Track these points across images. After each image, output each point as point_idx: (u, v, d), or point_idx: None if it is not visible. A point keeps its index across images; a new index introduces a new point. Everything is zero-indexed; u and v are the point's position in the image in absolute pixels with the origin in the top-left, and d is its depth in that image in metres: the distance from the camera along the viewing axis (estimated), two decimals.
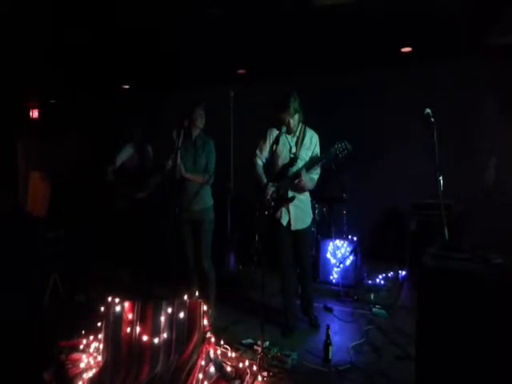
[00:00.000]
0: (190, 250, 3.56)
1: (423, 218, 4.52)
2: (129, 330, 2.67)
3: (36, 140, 7.07)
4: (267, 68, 5.60)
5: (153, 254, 4.39)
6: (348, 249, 4.50)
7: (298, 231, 3.36)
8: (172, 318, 2.68)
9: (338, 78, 5.59)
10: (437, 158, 2.69)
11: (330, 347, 2.92)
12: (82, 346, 2.99)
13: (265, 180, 3.32)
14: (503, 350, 1.92)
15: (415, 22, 3.98)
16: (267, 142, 3.39)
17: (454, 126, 4.51)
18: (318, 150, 3.35)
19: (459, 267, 2.07)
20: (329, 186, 4.57)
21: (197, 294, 3.24)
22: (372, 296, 4.17)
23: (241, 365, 2.77)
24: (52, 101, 7.38)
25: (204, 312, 2.72)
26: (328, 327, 2.98)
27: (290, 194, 3.29)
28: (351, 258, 4.44)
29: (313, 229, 4.42)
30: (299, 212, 3.36)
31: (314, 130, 3.40)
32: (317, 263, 4.60)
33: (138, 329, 2.68)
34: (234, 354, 2.93)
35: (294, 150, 3.30)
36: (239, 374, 2.68)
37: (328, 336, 2.93)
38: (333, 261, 4.55)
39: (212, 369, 2.61)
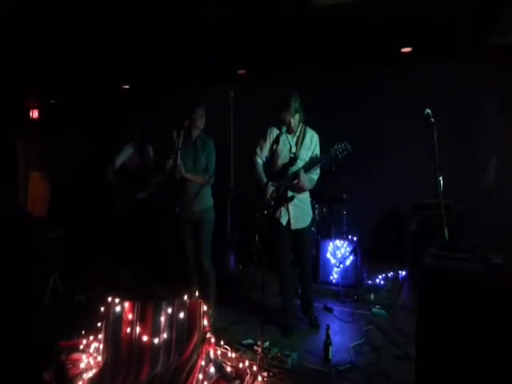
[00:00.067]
0: (190, 250, 3.56)
1: (423, 218, 4.52)
2: (129, 330, 2.67)
3: (36, 140, 7.06)
4: (267, 68, 5.60)
5: (153, 254, 4.38)
6: (348, 249, 4.50)
7: (297, 230, 3.36)
8: (172, 318, 2.68)
9: (338, 77, 5.59)
10: (437, 158, 2.69)
11: (330, 347, 2.92)
12: (81, 346, 2.99)
13: (265, 179, 3.32)
14: (503, 350, 1.92)
15: (415, 22, 3.99)
16: (267, 141, 3.39)
17: (454, 126, 4.51)
18: (318, 150, 3.35)
19: (459, 267, 2.08)
20: (329, 187, 4.57)
21: (197, 294, 3.24)
22: (372, 296, 4.17)
23: (241, 365, 2.77)
24: (52, 101, 7.38)
25: (204, 312, 2.72)
26: (328, 327, 2.97)
27: (290, 193, 3.28)
28: (351, 258, 4.44)
29: (313, 229, 4.42)
30: (299, 211, 3.35)
31: (314, 130, 3.40)
32: (317, 263, 4.60)
33: (138, 329, 2.67)
34: (233, 355, 2.93)
35: (294, 149, 3.30)
36: (239, 375, 2.68)
37: (328, 336, 2.93)
38: (333, 261, 4.55)
39: (212, 369, 2.61)
